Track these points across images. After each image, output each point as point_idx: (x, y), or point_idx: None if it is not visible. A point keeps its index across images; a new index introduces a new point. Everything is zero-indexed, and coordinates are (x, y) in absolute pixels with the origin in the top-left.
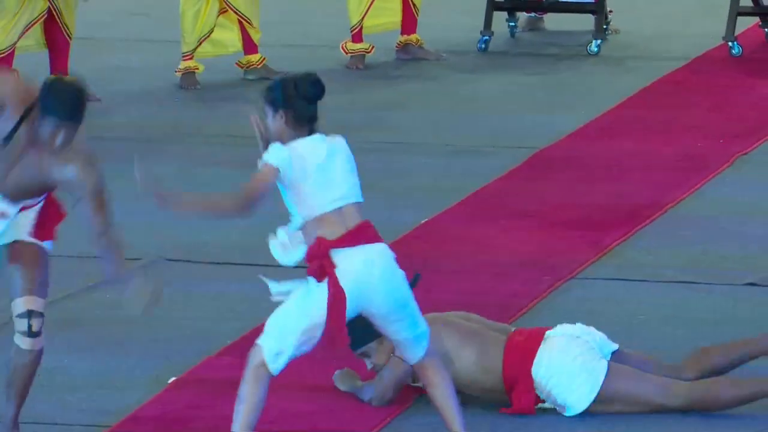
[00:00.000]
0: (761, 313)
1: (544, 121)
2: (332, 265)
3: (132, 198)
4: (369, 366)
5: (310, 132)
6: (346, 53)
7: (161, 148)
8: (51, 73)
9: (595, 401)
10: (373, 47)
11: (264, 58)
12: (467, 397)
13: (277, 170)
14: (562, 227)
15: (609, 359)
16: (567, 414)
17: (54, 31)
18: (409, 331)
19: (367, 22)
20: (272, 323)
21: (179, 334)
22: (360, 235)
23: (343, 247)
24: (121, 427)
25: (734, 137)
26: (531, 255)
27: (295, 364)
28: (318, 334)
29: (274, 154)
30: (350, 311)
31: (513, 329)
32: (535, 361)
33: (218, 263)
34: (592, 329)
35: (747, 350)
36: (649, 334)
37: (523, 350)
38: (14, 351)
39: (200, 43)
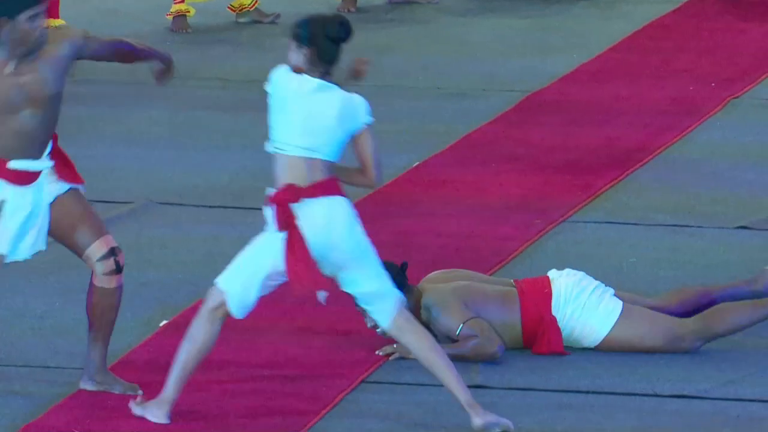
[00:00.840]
0: (752, 256)
1: (535, 65)
2: (293, 216)
3: (123, 142)
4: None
5: (325, 74)
6: None
7: (152, 91)
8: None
9: (610, 334)
10: None
11: (256, 1)
12: None
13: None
14: (553, 171)
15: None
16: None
17: None
18: (372, 283)
19: None
20: (236, 268)
21: (170, 277)
22: (325, 188)
23: (308, 197)
24: (113, 370)
25: (725, 81)
26: (522, 198)
27: (284, 308)
28: (281, 279)
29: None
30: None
31: (512, 281)
32: (553, 302)
33: (209, 206)
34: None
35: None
36: (639, 276)
37: (536, 295)
38: (98, 296)
39: None
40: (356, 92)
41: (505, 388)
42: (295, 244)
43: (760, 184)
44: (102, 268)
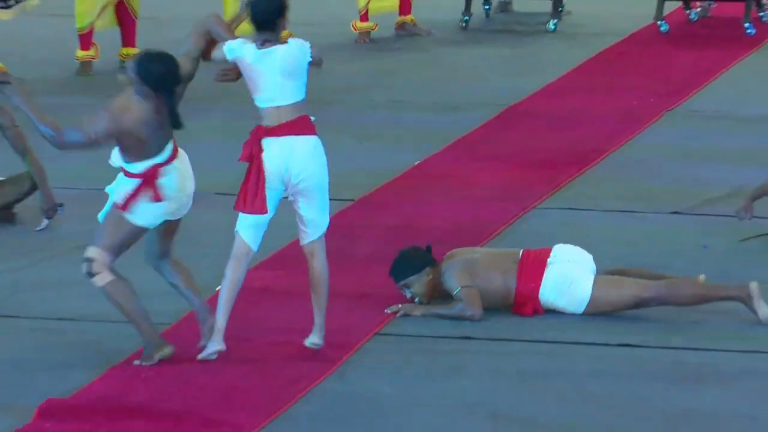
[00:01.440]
0: (683, 236)
1: (512, 83)
2: (260, 150)
3: (185, 139)
4: (408, 295)
5: (265, 41)
6: (355, 30)
7: (210, 105)
8: (123, 46)
9: (586, 307)
10: (376, 25)
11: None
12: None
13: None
14: (526, 167)
15: (595, 273)
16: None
17: (123, 12)
18: (317, 213)
19: (372, 5)
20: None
21: (225, 251)
22: (292, 126)
23: (274, 135)
24: (179, 326)
25: (662, 96)
26: (501, 189)
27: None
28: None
29: (228, 47)
30: (276, 182)
31: (521, 254)
32: (541, 289)
33: None
34: (582, 251)
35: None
36: (594, 253)
37: (530, 278)
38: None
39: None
40: (371, 105)
41: (488, 339)
42: (253, 172)
43: (689, 178)
44: None
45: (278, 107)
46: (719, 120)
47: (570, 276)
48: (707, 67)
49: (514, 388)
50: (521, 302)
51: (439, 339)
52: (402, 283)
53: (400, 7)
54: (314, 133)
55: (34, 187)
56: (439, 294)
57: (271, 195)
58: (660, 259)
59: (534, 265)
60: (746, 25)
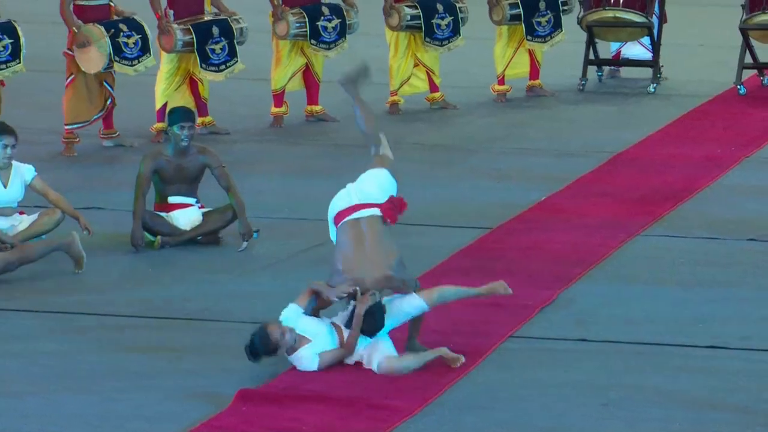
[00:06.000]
0: (757, 257)
1: (619, 135)
2: None
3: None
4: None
5: None
6: (494, 92)
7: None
8: (308, 104)
9: None
10: (511, 88)
11: (443, 95)
12: None
13: None
14: (630, 202)
15: None
16: None
17: (309, 77)
18: None
19: (507, 72)
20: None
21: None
22: None
23: None
24: None
25: (740, 146)
26: (610, 220)
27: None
28: None
29: None
30: None
31: None
32: None
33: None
34: None
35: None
36: (683, 271)
37: None
38: None
39: (402, 85)
40: (505, 152)
41: (600, 341)
42: None
43: (762, 212)
44: None
45: None
46: None
47: None
48: None
49: (621, 379)
50: None
51: (559, 341)
52: None
53: (530, 73)
54: None
55: (235, 216)
56: None
57: None
58: (738, 276)
59: None
60: None
